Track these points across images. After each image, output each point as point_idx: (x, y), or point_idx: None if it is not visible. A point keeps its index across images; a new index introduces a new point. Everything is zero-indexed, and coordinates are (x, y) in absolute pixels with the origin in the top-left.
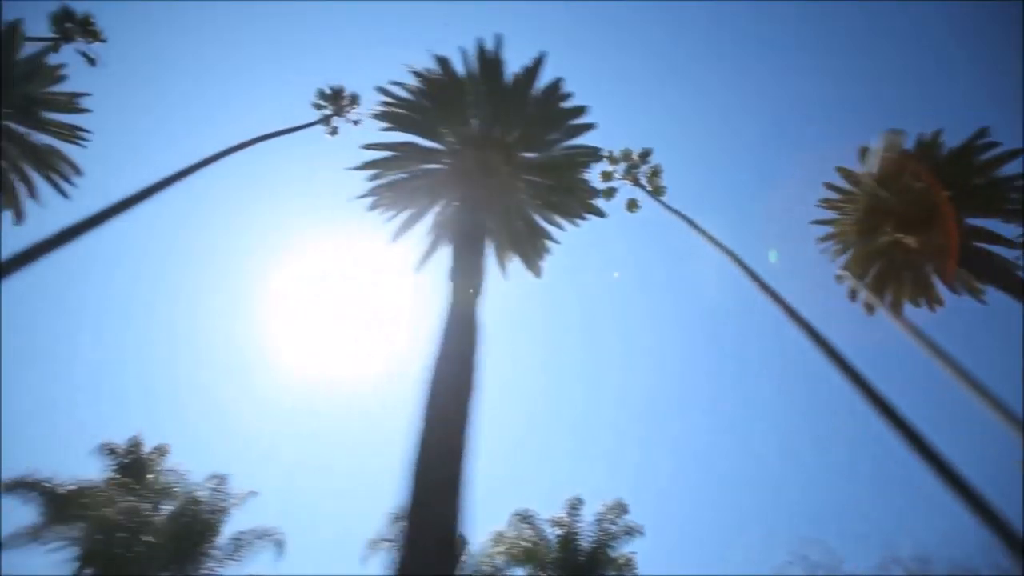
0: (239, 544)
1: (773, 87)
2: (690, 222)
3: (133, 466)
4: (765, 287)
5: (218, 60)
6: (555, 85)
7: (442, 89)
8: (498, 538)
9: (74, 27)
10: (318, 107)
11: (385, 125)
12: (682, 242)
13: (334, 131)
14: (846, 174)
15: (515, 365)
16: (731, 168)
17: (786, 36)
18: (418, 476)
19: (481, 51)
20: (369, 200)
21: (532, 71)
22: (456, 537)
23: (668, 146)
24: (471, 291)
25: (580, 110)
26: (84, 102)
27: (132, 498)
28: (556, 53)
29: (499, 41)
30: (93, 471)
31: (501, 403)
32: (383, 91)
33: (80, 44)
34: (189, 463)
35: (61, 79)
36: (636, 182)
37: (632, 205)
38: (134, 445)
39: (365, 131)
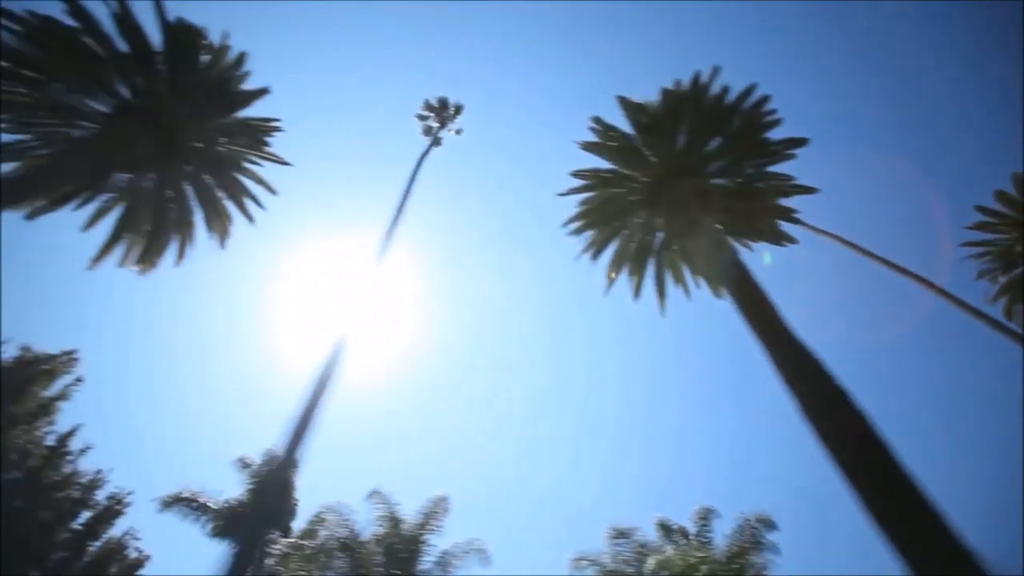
0: (447, 560)
1: (772, 86)
2: (846, 242)
3: (268, 480)
4: (957, 301)
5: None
6: (765, 115)
7: (651, 118)
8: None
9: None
10: (422, 118)
11: (592, 155)
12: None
13: (438, 142)
14: (1006, 199)
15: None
16: None
17: (786, 36)
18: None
19: (695, 81)
20: (573, 224)
21: (744, 101)
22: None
23: None
24: (768, 310)
25: (798, 141)
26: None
27: None
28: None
29: (714, 72)
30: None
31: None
32: (596, 120)
33: None
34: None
35: (253, 103)
36: None
37: None
38: (269, 458)
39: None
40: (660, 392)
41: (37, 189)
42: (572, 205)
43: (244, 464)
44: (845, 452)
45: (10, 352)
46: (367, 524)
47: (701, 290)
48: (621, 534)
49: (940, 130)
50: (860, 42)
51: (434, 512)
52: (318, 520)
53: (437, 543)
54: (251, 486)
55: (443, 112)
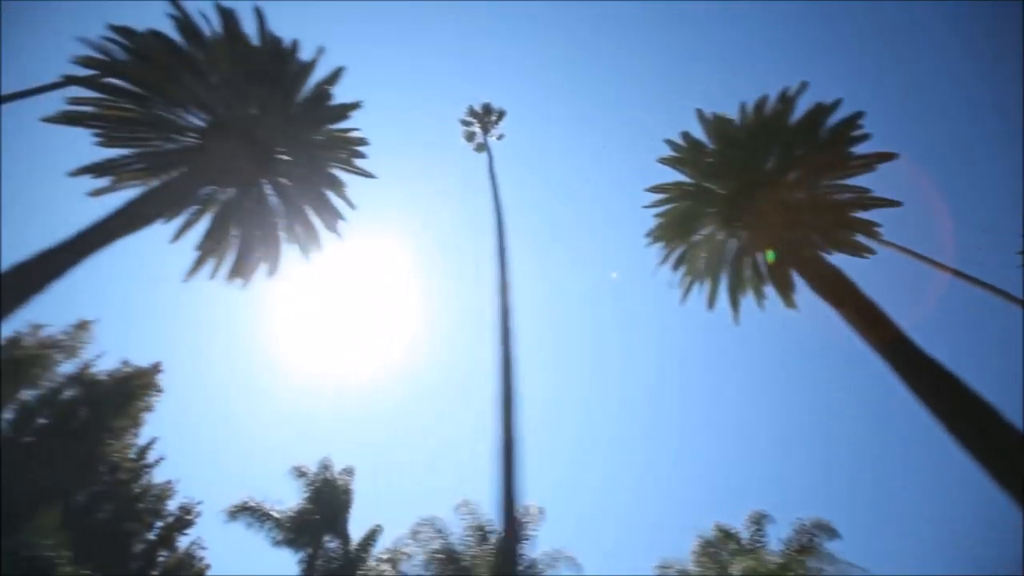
0: (536, 569)
1: (774, 86)
2: (916, 254)
3: (324, 488)
4: None
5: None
6: (853, 130)
7: (735, 133)
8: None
9: None
10: (465, 123)
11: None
12: None
13: (480, 147)
14: None
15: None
16: None
17: (786, 35)
18: None
19: (782, 95)
20: (651, 236)
21: (828, 116)
22: None
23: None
24: (881, 319)
25: (886, 156)
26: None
27: None
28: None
29: (801, 88)
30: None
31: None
32: (684, 135)
33: None
34: None
35: (346, 117)
36: None
37: None
38: (323, 467)
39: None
40: (718, 397)
41: (149, 211)
42: (639, 213)
43: (300, 473)
44: (998, 459)
45: (105, 364)
46: (458, 534)
47: (771, 301)
48: (708, 544)
49: (939, 125)
50: (862, 41)
51: (524, 524)
52: (415, 532)
53: (527, 552)
54: (309, 494)
55: (485, 118)
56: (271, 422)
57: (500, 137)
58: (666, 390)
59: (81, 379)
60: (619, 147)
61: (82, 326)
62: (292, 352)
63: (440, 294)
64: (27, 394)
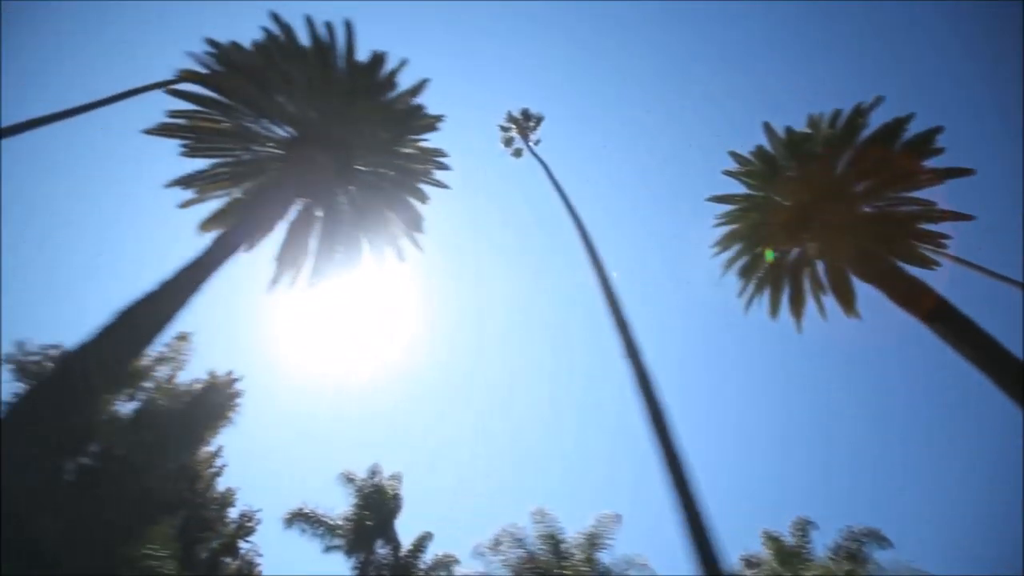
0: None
1: (773, 86)
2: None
3: (374, 494)
4: None
5: None
6: (926, 145)
7: (802, 147)
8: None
9: None
10: (504, 129)
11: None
12: None
13: (518, 153)
14: None
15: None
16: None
17: (786, 35)
18: None
19: (857, 110)
20: (716, 247)
21: (901, 130)
22: None
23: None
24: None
25: (960, 171)
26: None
27: None
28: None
29: (876, 102)
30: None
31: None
32: (758, 150)
33: None
34: None
35: (433, 128)
36: None
37: None
38: (372, 473)
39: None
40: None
41: (254, 226)
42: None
43: (348, 479)
44: None
45: (187, 375)
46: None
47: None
48: (782, 551)
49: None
50: (862, 41)
51: (601, 531)
52: (496, 541)
53: (603, 559)
54: (359, 500)
55: (524, 123)
56: (322, 428)
57: (538, 142)
58: (669, 390)
59: (173, 391)
60: (618, 148)
61: (182, 338)
62: (345, 356)
63: (500, 299)
64: (125, 407)
